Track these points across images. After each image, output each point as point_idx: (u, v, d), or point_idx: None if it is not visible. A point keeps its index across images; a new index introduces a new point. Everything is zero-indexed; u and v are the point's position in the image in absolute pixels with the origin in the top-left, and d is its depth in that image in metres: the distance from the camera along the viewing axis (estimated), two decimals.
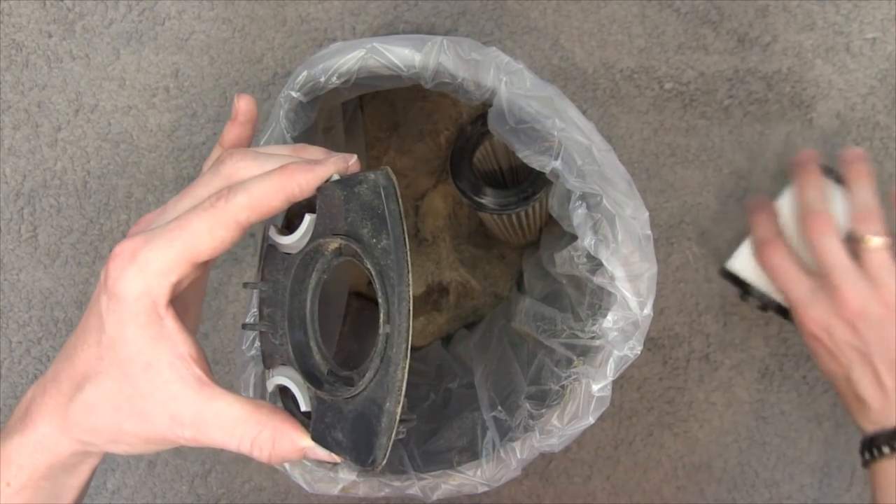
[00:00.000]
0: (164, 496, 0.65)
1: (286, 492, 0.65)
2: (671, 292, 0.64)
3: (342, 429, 0.31)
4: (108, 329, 0.32)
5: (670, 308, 0.64)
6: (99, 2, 0.63)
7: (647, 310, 0.45)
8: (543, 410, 0.46)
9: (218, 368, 0.65)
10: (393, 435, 0.29)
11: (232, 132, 0.39)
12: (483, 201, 0.56)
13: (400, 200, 0.29)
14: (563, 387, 0.47)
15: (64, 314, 0.64)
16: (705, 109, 0.63)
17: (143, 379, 0.32)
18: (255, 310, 0.46)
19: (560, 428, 0.46)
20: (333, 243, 0.32)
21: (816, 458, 0.64)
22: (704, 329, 0.64)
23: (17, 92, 0.63)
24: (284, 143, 0.47)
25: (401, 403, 0.29)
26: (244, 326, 0.40)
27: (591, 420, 0.46)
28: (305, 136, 0.48)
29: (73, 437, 0.34)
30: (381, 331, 0.29)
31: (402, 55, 0.43)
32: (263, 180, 0.32)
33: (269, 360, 0.36)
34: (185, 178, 0.64)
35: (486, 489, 0.47)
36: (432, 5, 0.62)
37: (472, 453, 0.48)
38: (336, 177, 0.33)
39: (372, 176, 0.30)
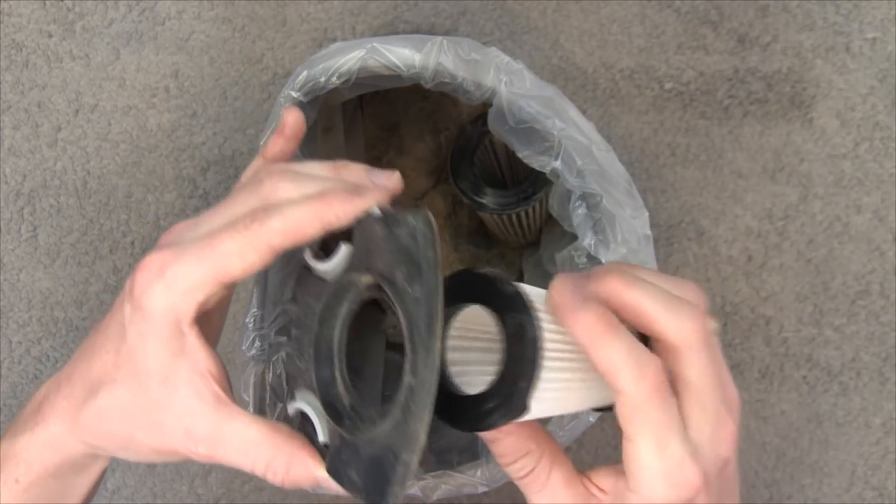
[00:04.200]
0: (164, 496, 0.65)
1: (286, 492, 0.65)
2: None
3: (357, 469, 0.31)
4: (130, 339, 0.32)
5: None
6: (99, 2, 0.63)
7: None
8: None
9: None
10: (406, 485, 0.29)
11: (276, 145, 0.38)
12: (483, 201, 0.56)
13: (438, 248, 0.28)
14: None
15: (64, 314, 0.64)
16: (705, 109, 0.63)
17: (159, 392, 0.32)
18: (256, 310, 0.46)
19: (560, 428, 0.46)
20: (367, 279, 0.31)
21: (816, 458, 0.64)
22: None
23: (17, 92, 0.63)
24: None
25: (418, 455, 0.28)
26: (269, 345, 0.39)
27: (592, 420, 0.46)
28: (305, 135, 0.48)
29: (82, 439, 0.34)
30: (404, 380, 0.28)
31: (402, 55, 0.44)
32: (300, 206, 0.31)
33: (293, 382, 0.35)
34: (185, 178, 0.64)
35: (485, 489, 0.47)
36: (432, 5, 0.62)
37: (472, 453, 0.48)
38: (376, 210, 0.31)
39: (412, 220, 0.29)
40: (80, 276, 0.64)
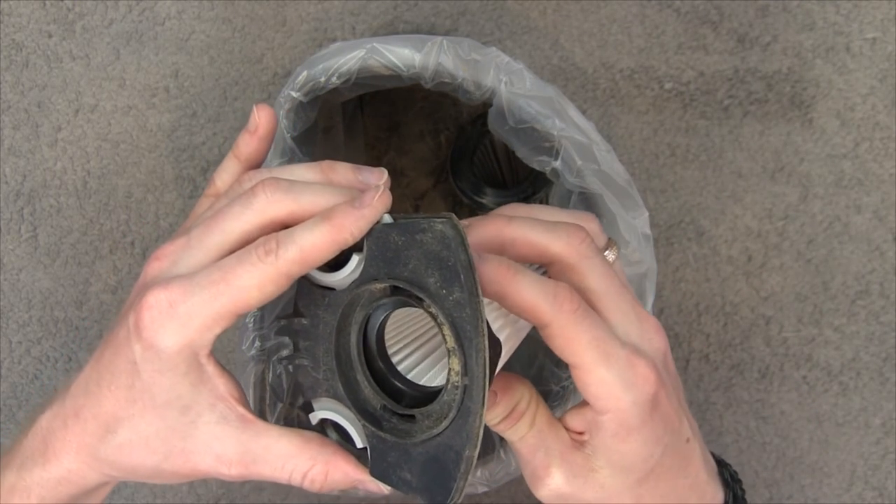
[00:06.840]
0: (164, 496, 0.65)
1: (286, 492, 0.65)
2: (671, 292, 0.64)
3: (410, 470, 0.31)
4: (144, 377, 0.32)
5: (670, 308, 0.64)
6: (99, 2, 0.63)
7: (647, 309, 0.45)
8: None
9: None
10: (469, 479, 0.30)
11: (250, 146, 0.37)
12: (483, 201, 0.56)
13: (470, 250, 0.28)
14: (563, 387, 0.47)
15: (64, 314, 0.64)
16: (705, 109, 0.63)
17: (182, 422, 0.32)
18: (256, 310, 0.46)
19: None
20: (381, 284, 0.31)
21: (816, 458, 0.64)
22: (704, 329, 0.64)
23: (17, 92, 0.63)
24: (284, 143, 0.47)
25: (478, 448, 0.29)
26: (280, 359, 0.39)
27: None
28: (305, 136, 0.48)
29: (103, 472, 0.34)
30: (458, 382, 0.29)
31: (402, 55, 0.44)
32: (313, 232, 0.31)
33: (309, 392, 0.35)
34: (185, 178, 0.64)
35: (485, 489, 0.47)
36: (432, 5, 0.62)
37: None
38: (387, 218, 0.31)
39: (438, 226, 0.29)
40: (80, 276, 0.64)
